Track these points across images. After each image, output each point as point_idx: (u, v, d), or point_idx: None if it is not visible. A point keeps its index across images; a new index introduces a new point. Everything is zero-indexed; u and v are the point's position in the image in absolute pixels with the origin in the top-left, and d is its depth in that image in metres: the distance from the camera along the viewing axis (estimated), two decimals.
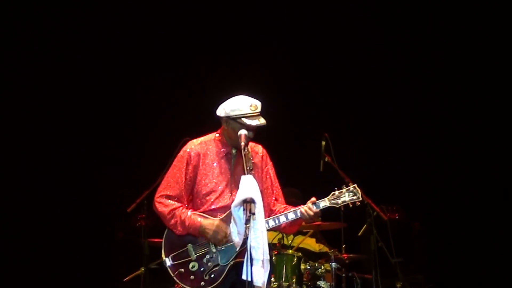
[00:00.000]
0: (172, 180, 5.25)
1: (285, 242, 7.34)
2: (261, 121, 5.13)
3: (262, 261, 4.86)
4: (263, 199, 5.27)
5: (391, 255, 6.76)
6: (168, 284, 7.37)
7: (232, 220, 4.95)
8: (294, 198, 7.05)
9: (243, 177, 4.92)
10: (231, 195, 5.18)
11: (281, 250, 7.04)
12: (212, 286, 5.08)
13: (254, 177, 5.05)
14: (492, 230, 8.88)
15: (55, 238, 8.88)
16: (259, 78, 8.89)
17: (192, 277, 5.10)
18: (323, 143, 6.67)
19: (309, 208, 5.17)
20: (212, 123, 8.69)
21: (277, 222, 5.21)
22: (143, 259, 6.98)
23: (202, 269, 5.11)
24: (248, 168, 4.99)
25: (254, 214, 4.79)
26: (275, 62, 9.10)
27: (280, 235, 7.13)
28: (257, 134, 5.25)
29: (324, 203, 5.18)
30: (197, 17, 9.11)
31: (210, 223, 5.12)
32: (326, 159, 6.62)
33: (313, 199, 5.21)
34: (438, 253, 8.93)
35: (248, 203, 4.78)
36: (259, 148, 5.42)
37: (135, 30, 8.99)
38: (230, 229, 4.99)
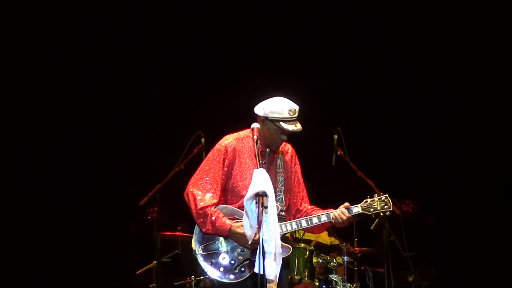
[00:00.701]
0: (208, 173, 5.20)
1: (297, 235, 7.35)
2: (298, 126, 5.18)
3: (275, 254, 4.87)
4: (290, 198, 5.34)
5: (403, 249, 6.74)
6: (179, 277, 7.44)
7: (244, 214, 4.96)
8: None
9: (255, 170, 4.94)
10: None
11: (293, 244, 7.04)
12: (240, 280, 5.07)
13: (283, 176, 5.19)
14: (505, 226, 8.84)
15: (66, 234, 8.92)
16: (269, 74, 8.91)
17: (221, 268, 5.11)
18: (336, 137, 6.65)
19: (342, 212, 5.18)
20: (219, 118, 8.75)
21: (309, 223, 5.22)
22: (155, 252, 6.99)
23: (232, 261, 5.11)
24: (260, 161, 5.00)
25: (266, 207, 4.80)
26: (285, 58, 9.09)
27: None
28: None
29: (357, 209, 5.21)
30: (200, 18, 9.12)
31: (238, 227, 5.08)
32: (339, 153, 6.60)
33: (347, 204, 5.23)
34: (451, 247, 8.91)
35: (260, 196, 4.79)
36: (289, 147, 5.45)
37: (141, 28, 9.02)
38: (243, 222, 5.00)
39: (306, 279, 7.07)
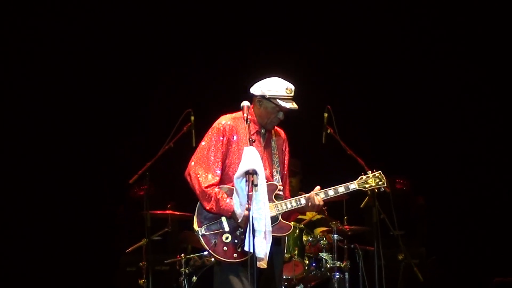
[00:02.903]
0: (210, 152, 5.20)
1: None
2: (294, 105, 5.22)
3: (264, 232, 4.87)
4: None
5: (393, 227, 6.75)
6: (169, 255, 7.44)
7: (234, 192, 4.96)
8: (294, 168, 7.03)
9: (245, 148, 4.94)
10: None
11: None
12: (244, 259, 5.03)
13: (278, 158, 5.25)
14: (495, 205, 8.87)
15: (54, 214, 8.91)
16: (259, 52, 8.88)
17: (225, 248, 5.11)
18: (326, 115, 6.64)
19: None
20: (209, 96, 8.72)
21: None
22: (145, 230, 6.98)
23: (235, 241, 5.11)
24: (251, 139, 4.99)
25: (256, 185, 4.79)
26: (277, 36, 9.05)
27: None
28: None
29: (354, 185, 5.33)
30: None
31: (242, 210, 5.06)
32: (329, 131, 6.60)
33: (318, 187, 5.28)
34: (441, 226, 8.93)
35: (250, 174, 4.79)
36: (282, 132, 5.48)
37: (128, 10, 8.96)
38: (233, 200, 5.00)
39: (296, 257, 7.09)
